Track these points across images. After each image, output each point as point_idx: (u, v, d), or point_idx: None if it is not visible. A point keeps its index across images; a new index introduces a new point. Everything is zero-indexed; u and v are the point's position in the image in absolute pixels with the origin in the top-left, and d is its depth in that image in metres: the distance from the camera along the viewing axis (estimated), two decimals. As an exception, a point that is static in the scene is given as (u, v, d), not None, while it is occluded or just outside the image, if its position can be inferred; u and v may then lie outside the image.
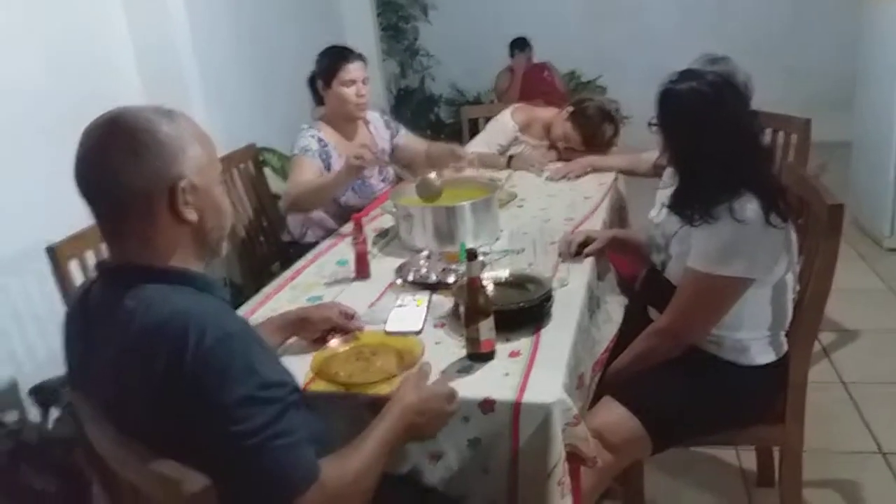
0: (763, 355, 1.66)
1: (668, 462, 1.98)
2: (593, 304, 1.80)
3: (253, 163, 2.92)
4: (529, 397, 1.27)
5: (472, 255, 1.36)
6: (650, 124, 1.65)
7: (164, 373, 0.92)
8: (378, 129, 2.73)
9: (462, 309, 1.40)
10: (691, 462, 2.13)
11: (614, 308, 1.93)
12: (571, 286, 1.73)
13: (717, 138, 1.55)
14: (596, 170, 2.74)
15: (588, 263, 1.88)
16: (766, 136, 2.31)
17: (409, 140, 2.80)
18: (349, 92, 2.49)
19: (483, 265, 1.74)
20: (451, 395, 1.25)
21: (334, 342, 1.48)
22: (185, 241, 1.05)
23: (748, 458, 2.15)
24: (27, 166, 2.30)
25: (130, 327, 0.96)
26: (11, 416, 2.19)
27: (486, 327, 1.38)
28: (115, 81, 2.75)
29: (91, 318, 1.05)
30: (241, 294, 2.30)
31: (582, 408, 1.54)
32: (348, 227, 2.29)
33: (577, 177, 2.70)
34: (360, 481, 1.05)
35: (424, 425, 1.20)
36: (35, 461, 1.94)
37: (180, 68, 3.03)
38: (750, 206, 1.52)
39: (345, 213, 2.55)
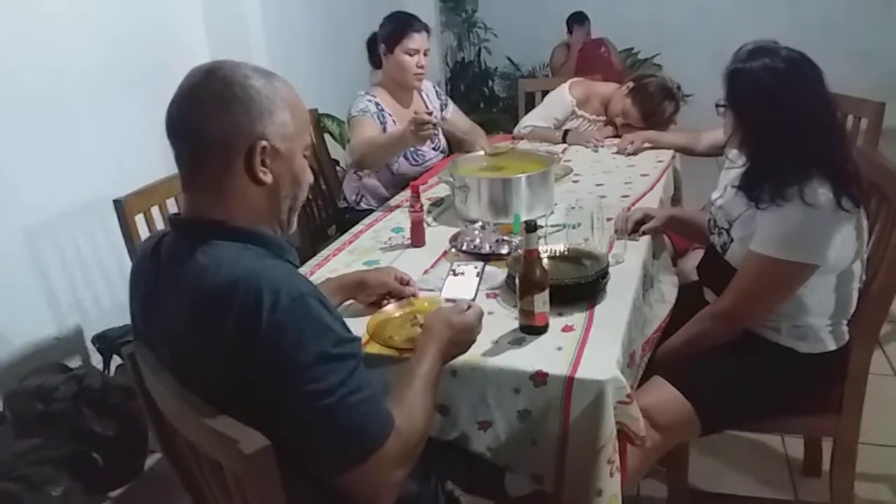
0: (823, 344, 1.61)
1: (710, 445, 1.96)
2: (647, 282, 1.78)
3: (314, 127, 2.95)
4: (583, 373, 1.26)
5: (530, 227, 1.35)
6: (718, 105, 1.60)
7: (237, 332, 0.91)
8: (430, 99, 2.73)
9: (517, 280, 1.40)
10: (735, 446, 2.10)
11: (668, 288, 1.91)
12: (626, 264, 1.71)
13: (791, 118, 1.49)
14: (653, 146, 2.69)
15: (644, 241, 1.85)
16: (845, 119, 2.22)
17: (455, 116, 2.80)
18: (410, 61, 2.48)
19: (539, 238, 1.74)
20: (479, 317, 1.27)
21: (390, 307, 1.49)
22: (257, 202, 1.04)
23: (794, 446, 2.11)
24: (99, 126, 2.37)
25: (202, 283, 0.96)
26: (76, 362, 2.29)
27: (541, 300, 1.37)
28: (184, 51, 2.80)
29: (161, 270, 1.05)
30: (299, 255, 2.34)
31: (632, 386, 1.53)
32: (402, 196, 2.31)
33: (636, 152, 2.65)
34: (425, 421, 1.09)
35: (455, 355, 1.25)
36: (97, 406, 2.03)
37: (248, 37, 3.07)
38: (821, 190, 1.47)
39: (397, 182, 2.57)
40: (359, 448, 0.97)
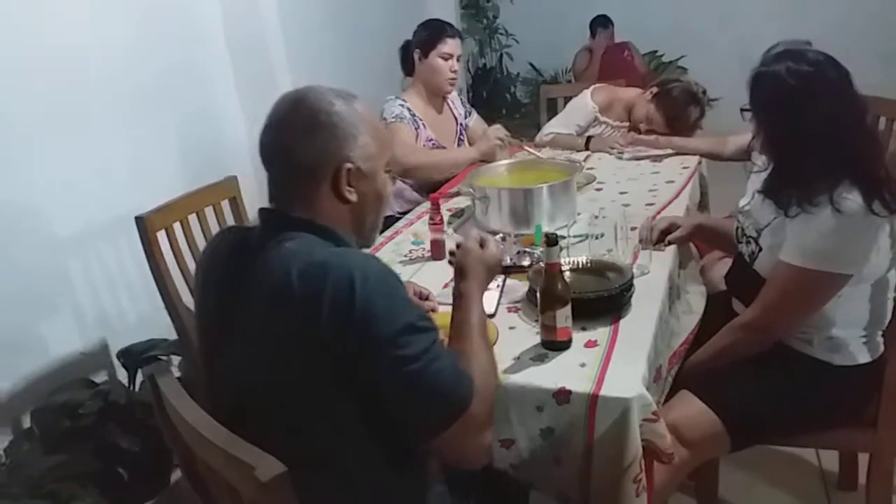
0: (857, 355, 1.56)
1: (742, 458, 1.89)
2: (674, 293, 1.74)
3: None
4: (607, 390, 1.23)
5: (551, 240, 1.33)
6: (742, 110, 1.56)
7: (332, 308, 0.96)
8: (456, 106, 2.73)
9: (538, 294, 1.37)
10: (768, 459, 2.04)
11: (695, 298, 1.86)
12: (652, 275, 1.68)
13: (815, 121, 1.45)
14: (677, 152, 2.64)
15: (670, 251, 1.81)
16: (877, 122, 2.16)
17: (477, 125, 2.80)
18: (445, 65, 2.51)
19: (561, 250, 1.71)
20: (497, 244, 1.34)
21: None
22: (343, 217, 1.12)
23: (829, 459, 2.05)
24: (123, 137, 2.39)
25: (293, 265, 1.00)
26: (101, 377, 2.31)
27: (563, 315, 1.34)
28: (203, 51, 2.82)
29: (245, 261, 1.08)
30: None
31: (658, 401, 1.50)
32: (423, 207, 2.29)
33: (658, 158, 2.60)
34: (494, 374, 1.15)
35: (490, 282, 1.32)
36: (122, 421, 2.03)
37: (266, 39, 3.07)
38: (852, 197, 1.42)
39: (423, 185, 2.56)
40: (447, 411, 1.01)
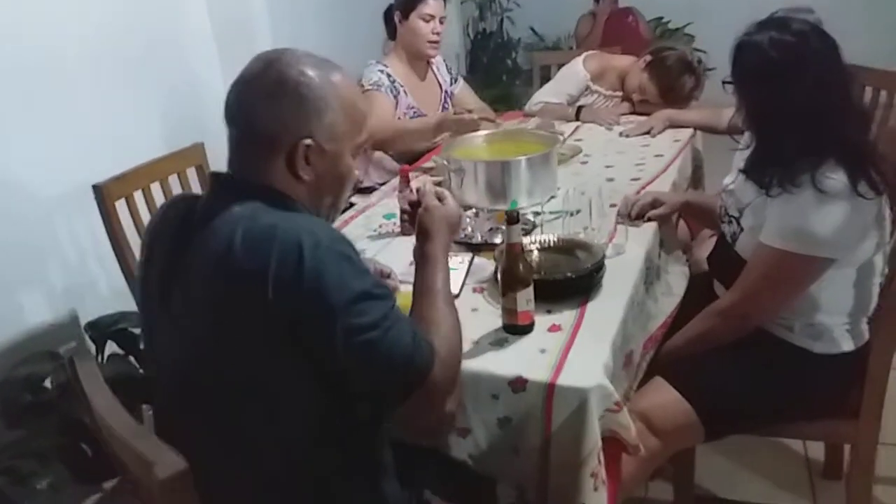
0: (840, 343, 1.49)
1: (722, 444, 1.83)
2: (652, 274, 1.66)
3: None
4: (565, 379, 1.16)
5: (511, 218, 1.24)
6: (725, 82, 1.47)
7: (279, 276, 0.91)
8: (441, 72, 2.62)
9: (498, 276, 1.30)
10: (749, 446, 1.96)
11: (676, 279, 1.78)
12: (627, 255, 1.60)
13: (796, 95, 1.36)
14: (672, 125, 2.53)
15: (650, 230, 1.73)
16: (864, 95, 2.05)
17: (464, 92, 2.69)
18: (426, 27, 2.40)
19: (523, 230, 1.64)
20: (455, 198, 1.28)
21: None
22: (297, 192, 1.04)
23: (814, 446, 1.98)
24: (99, 105, 2.30)
25: (237, 231, 0.94)
26: (71, 351, 2.26)
27: (524, 298, 1.27)
28: (185, 24, 2.72)
29: (194, 224, 1.02)
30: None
31: (629, 388, 1.43)
32: (398, 180, 2.21)
33: (659, 132, 2.50)
34: (458, 339, 1.09)
35: (453, 240, 1.27)
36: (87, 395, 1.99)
37: (251, 9, 2.97)
38: (836, 176, 1.34)
39: (404, 154, 2.47)
40: (405, 380, 0.98)
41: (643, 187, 2.01)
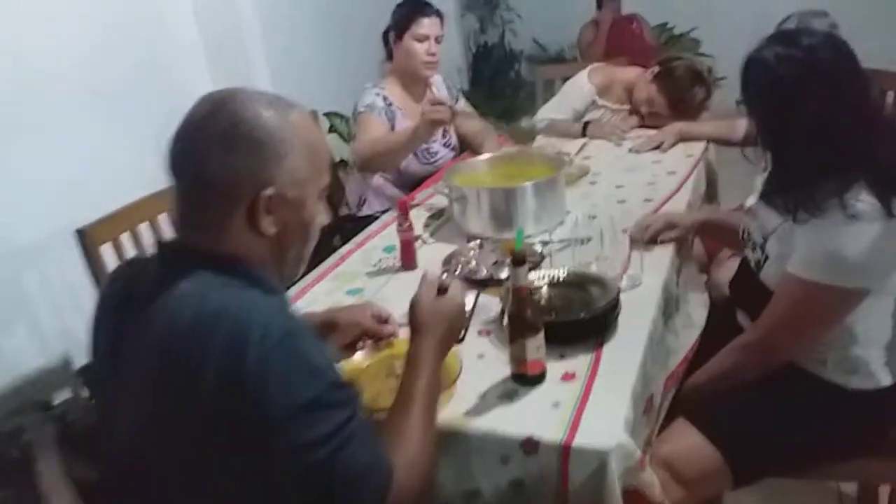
0: (878, 377, 1.37)
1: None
2: (671, 306, 1.55)
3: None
4: (582, 439, 1.06)
5: (518, 258, 1.14)
6: (738, 102, 1.37)
7: (220, 368, 0.81)
8: (440, 91, 2.52)
9: (504, 320, 1.20)
10: (781, 484, 1.85)
11: (696, 309, 1.67)
12: (644, 286, 1.49)
13: (812, 113, 1.25)
14: (684, 138, 2.43)
15: (666, 256, 1.62)
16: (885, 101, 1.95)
17: (465, 113, 2.57)
18: (420, 48, 2.30)
19: (530, 263, 1.53)
20: (459, 286, 1.16)
21: (358, 355, 1.30)
22: (258, 249, 0.93)
23: (849, 485, 1.85)
24: (87, 139, 2.23)
25: (184, 313, 0.85)
26: (64, 394, 2.17)
27: (534, 345, 1.16)
28: (176, 50, 2.65)
29: (140, 298, 0.93)
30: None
31: (650, 434, 1.32)
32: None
33: (670, 147, 2.39)
34: (431, 454, 0.97)
35: (452, 343, 1.15)
36: (79, 446, 1.90)
37: (242, 31, 2.90)
38: (866, 198, 1.23)
39: (405, 181, 2.39)
40: (363, 501, 0.86)
41: (657, 208, 1.90)
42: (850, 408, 1.37)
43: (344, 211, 2.56)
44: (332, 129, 3.31)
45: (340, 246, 1.94)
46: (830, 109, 1.25)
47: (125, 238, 1.77)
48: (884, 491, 1.60)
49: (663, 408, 1.42)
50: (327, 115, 3.27)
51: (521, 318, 1.15)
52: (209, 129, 0.89)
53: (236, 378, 0.79)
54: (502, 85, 5.50)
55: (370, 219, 2.18)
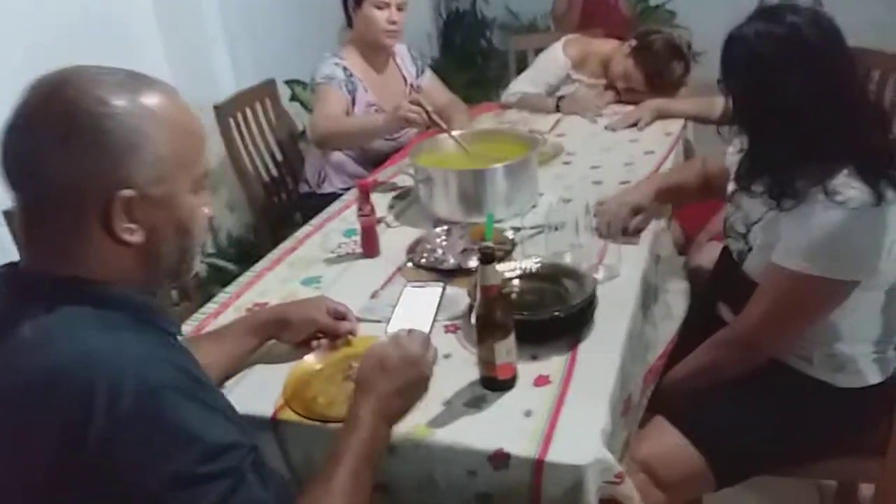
0: (866, 375, 1.31)
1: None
2: (649, 296, 1.47)
3: (272, 101, 2.62)
4: (556, 454, 0.96)
5: (486, 255, 1.03)
6: (719, 81, 1.28)
7: (61, 442, 0.67)
8: (405, 63, 2.38)
9: (473, 319, 1.09)
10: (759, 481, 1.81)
11: (676, 299, 1.59)
12: (622, 277, 1.40)
13: (793, 93, 1.17)
14: (662, 116, 2.32)
15: (645, 245, 1.53)
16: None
17: (432, 85, 2.44)
18: (380, 15, 2.14)
19: (500, 251, 1.43)
20: (425, 344, 1.04)
21: (310, 357, 1.18)
22: (124, 263, 0.78)
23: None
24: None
25: (20, 370, 0.71)
26: None
27: (504, 348, 1.06)
28: (125, 7, 2.45)
29: None
30: (255, 251, 2.05)
31: (628, 435, 1.24)
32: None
33: (647, 124, 2.28)
34: None
35: (407, 405, 1.02)
36: None
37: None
38: (853, 185, 1.15)
39: (368, 157, 2.26)
40: None
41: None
42: (837, 406, 1.30)
43: (304, 188, 2.42)
44: (293, 98, 3.15)
45: (301, 224, 1.81)
46: (812, 90, 1.17)
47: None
48: (865, 485, 1.55)
49: (642, 405, 1.34)
50: (288, 83, 3.11)
51: (489, 320, 1.05)
52: (42, 125, 0.73)
53: (78, 450, 0.66)
54: (473, 54, 5.35)
55: (332, 197, 2.04)
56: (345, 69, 2.16)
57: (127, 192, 0.74)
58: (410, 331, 1.03)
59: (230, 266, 2.52)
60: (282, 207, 2.55)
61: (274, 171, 2.56)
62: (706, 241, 2.00)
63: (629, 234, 1.53)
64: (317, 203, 2.05)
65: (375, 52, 2.24)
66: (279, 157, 2.60)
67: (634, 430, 1.29)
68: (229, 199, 2.85)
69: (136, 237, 0.76)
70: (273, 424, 1.07)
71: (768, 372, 1.32)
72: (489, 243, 1.05)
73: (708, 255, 1.79)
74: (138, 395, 0.68)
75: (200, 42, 2.69)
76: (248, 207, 2.49)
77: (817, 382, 1.31)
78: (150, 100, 0.76)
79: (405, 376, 0.99)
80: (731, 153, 1.49)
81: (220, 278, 2.32)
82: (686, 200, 1.82)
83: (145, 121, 0.75)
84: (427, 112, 1.77)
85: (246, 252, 2.69)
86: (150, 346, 0.75)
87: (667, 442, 1.29)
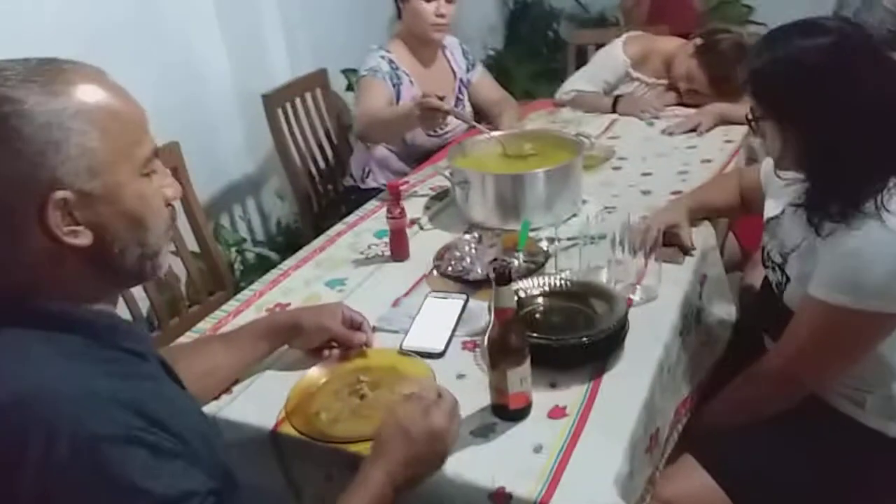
0: (926, 425, 1.18)
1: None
2: (689, 321, 1.36)
3: (322, 91, 2.59)
4: (562, 498, 0.89)
5: (501, 276, 0.96)
6: (754, 120, 1.17)
7: None
8: (455, 57, 2.31)
9: (485, 342, 1.03)
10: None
11: (719, 324, 1.48)
12: (661, 300, 1.30)
13: (865, 105, 1.07)
14: (725, 121, 2.18)
15: (689, 264, 1.42)
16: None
17: (482, 81, 2.36)
18: (427, 8, 2.09)
19: (533, 263, 1.35)
20: (453, 414, 0.92)
21: (314, 370, 1.13)
22: (77, 270, 0.72)
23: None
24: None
25: None
26: None
27: (517, 377, 0.99)
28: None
29: None
30: (303, 242, 2.03)
31: (654, 471, 1.15)
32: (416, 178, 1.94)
33: (708, 130, 2.15)
34: None
35: (421, 476, 0.90)
36: None
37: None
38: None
39: (411, 153, 2.21)
40: None
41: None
42: (888, 459, 1.18)
43: (349, 181, 2.39)
44: (349, 88, 3.12)
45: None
46: (880, 96, 1.07)
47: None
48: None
49: (671, 440, 1.25)
50: (344, 72, 3.08)
51: (503, 345, 0.98)
52: None
53: (8, 502, 0.62)
54: (539, 45, 5.21)
55: (375, 192, 2.01)
56: (391, 62, 2.11)
57: (60, 194, 0.68)
58: (440, 394, 0.93)
59: (273, 255, 2.52)
60: (328, 200, 2.53)
61: (321, 163, 2.54)
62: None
63: (676, 255, 1.42)
64: (359, 198, 2.03)
65: (423, 46, 2.18)
66: (328, 148, 2.58)
67: (661, 466, 1.20)
68: (280, 187, 2.85)
69: (82, 239, 0.70)
70: (272, 437, 1.04)
71: (812, 415, 1.21)
72: (503, 261, 0.99)
73: (761, 276, 1.66)
74: (75, 443, 0.62)
75: (257, 30, 2.68)
76: (294, 198, 2.48)
77: (868, 431, 1.20)
78: (66, 88, 0.69)
79: (427, 449, 0.89)
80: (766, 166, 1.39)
81: (265, 267, 2.32)
82: (722, 217, 1.70)
83: (62, 113, 0.68)
84: (445, 111, 1.73)
85: (294, 242, 2.69)
86: (100, 380, 0.68)
87: (692, 482, 1.20)
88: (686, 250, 1.45)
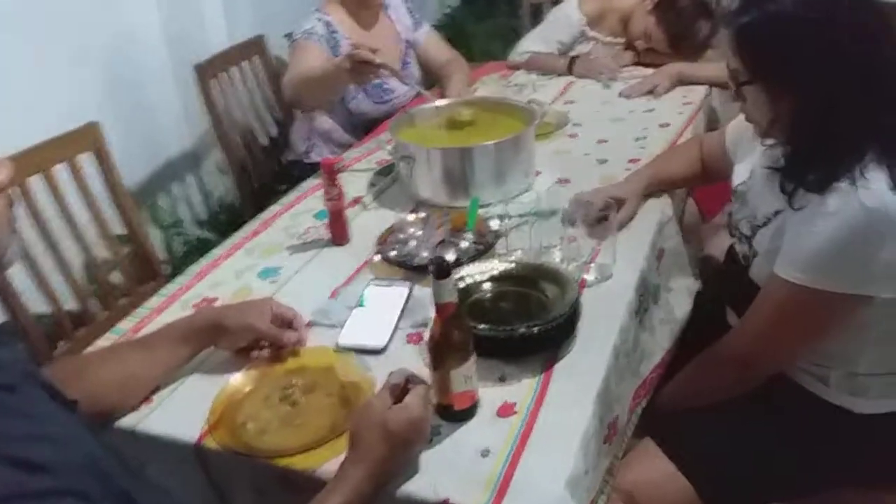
0: (890, 400, 1.13)
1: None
2: (647, 300, 1.29)
3: (261, 59, 2.44)
4: (511, 506, 0.82)
5: (441, 269, 0.87)
6: (741, 84, 1.07)
7: None
8: (399, 16, 2.17)
9: (427, 339, 0.94)
10: None
11: (679, 299, 1.42)
12: (616, 279, 1.23)
13: (861, 62, 0.98)
14: (683, 82, 2.10)
15: (646, 240, 1.34)
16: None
17: (429, 42, 2.22)
18: None
19: (481, 244, 1.27)
20: (427, 399, 0.88)
21: (237, 376, 1.03)
22: None
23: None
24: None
25: None
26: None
27: (462, 376, 0.91)
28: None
29: None
30: (240, 220, 1.91)
31: (613, 460, 1.09)
32: (361, 150, 1.82)
33: (666, 91, 2.07)
34: None
35: (401, 468, 0.87)
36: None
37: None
38: (875, 180, 0.97)
39: (356, 123, 2.08)
40: None
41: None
42: (853, 436, 1.14)
43: (290, 155, 2.26)
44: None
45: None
46: (859, 76, 0.98)
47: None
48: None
49: (631, 424, 1.19)
50: (287, 36, 2.91)
51: (444, 343, 0.90)
52: None
53: None
54: (496, 3, 5.06)
55: (317, 166, 1.88)
56: (328, 24, 1.97)
57: None
58: (409, 379, 0.87)
59: (211, 237, 2.39)
60: (271, 175, 2.40)
61: (263, 137, 2.40)
62: (724, 224, 1.81)
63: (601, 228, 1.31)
64: (303, 173, 1.90)
65: (362, 7, 2.04)
66: (270, 121, 2.43)
67: (620, 454, 1.14)
68: (221, 160, 2.70)
69: None
70: (197, 451, 0.95)
71: (775, 392, 1.16)
72: (441, 256, 0.89)
73: (722, 243, 1.60)
74: None
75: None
76: (232, 175, 2.34)
77: (833, 409, 1.14)
78: None
79: (410, 441, 0.85)
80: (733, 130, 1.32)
81: (204, 249, 2.20)
82: (682, 188, 1.63)
83: None
84: (377, 65, 1.61)
85: (236, 221, 2.56)
86: None
87: (653, 469, 1.15)
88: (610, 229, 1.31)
